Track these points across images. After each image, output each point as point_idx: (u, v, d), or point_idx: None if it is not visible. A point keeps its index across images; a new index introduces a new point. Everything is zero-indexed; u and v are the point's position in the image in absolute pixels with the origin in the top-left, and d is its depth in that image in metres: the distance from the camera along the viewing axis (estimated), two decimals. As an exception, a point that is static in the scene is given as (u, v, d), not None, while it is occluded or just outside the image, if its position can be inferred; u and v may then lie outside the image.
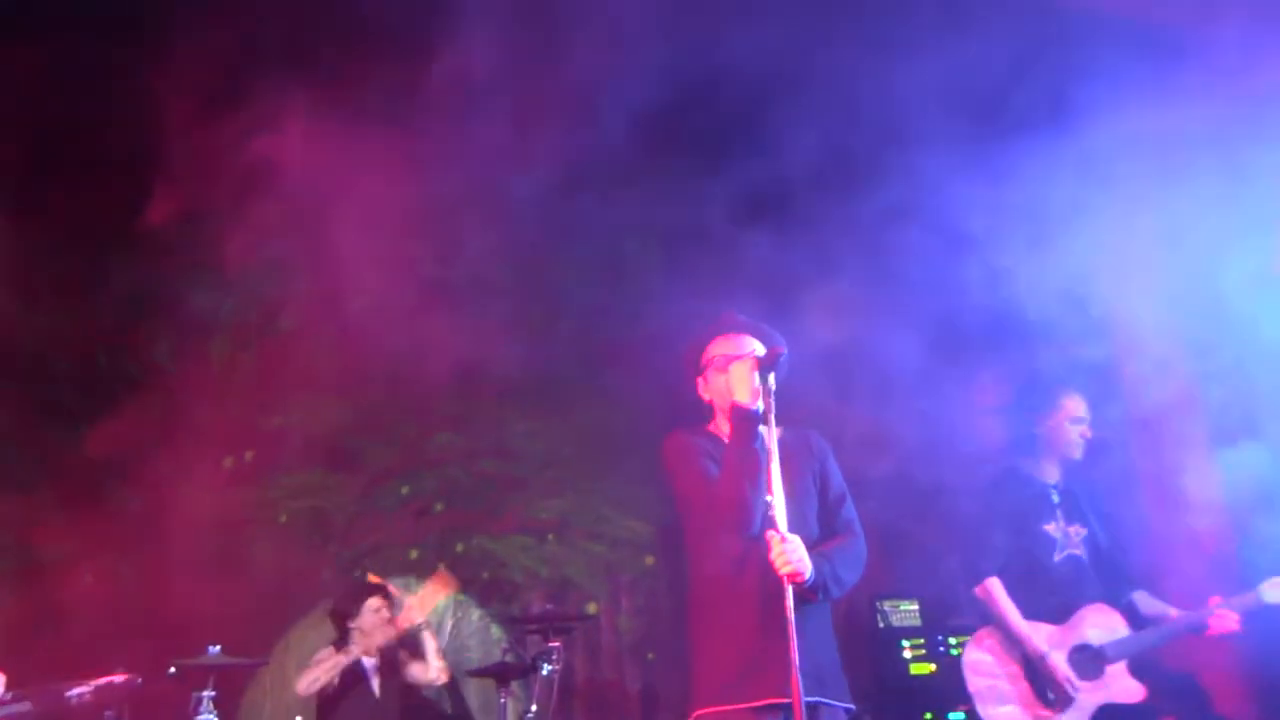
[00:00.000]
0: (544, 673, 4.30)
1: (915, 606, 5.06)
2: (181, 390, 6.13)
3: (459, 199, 5.43)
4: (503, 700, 4.32)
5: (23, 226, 5.46)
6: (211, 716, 3.73)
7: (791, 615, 2.33)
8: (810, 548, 2.51)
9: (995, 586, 3.40)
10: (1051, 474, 3.60)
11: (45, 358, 5.91)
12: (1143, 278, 4.42)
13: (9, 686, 2.24)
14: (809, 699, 2.46)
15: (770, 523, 2.45)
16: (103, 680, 2.34)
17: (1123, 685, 3.31)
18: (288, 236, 6.18)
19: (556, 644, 4.36)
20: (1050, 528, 3.49)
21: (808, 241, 4.78)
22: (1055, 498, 3.56)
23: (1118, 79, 3.98)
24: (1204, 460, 4.62)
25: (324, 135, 5.05)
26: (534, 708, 4.30)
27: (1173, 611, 3.45)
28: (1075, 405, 3.57)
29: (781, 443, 2.63)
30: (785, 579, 2.37)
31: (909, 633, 4.94)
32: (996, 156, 4.20)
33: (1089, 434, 3.56)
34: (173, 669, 3.93)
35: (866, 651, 5.15)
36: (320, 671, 4.49)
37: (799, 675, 2.32)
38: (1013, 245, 4.26)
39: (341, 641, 4.68)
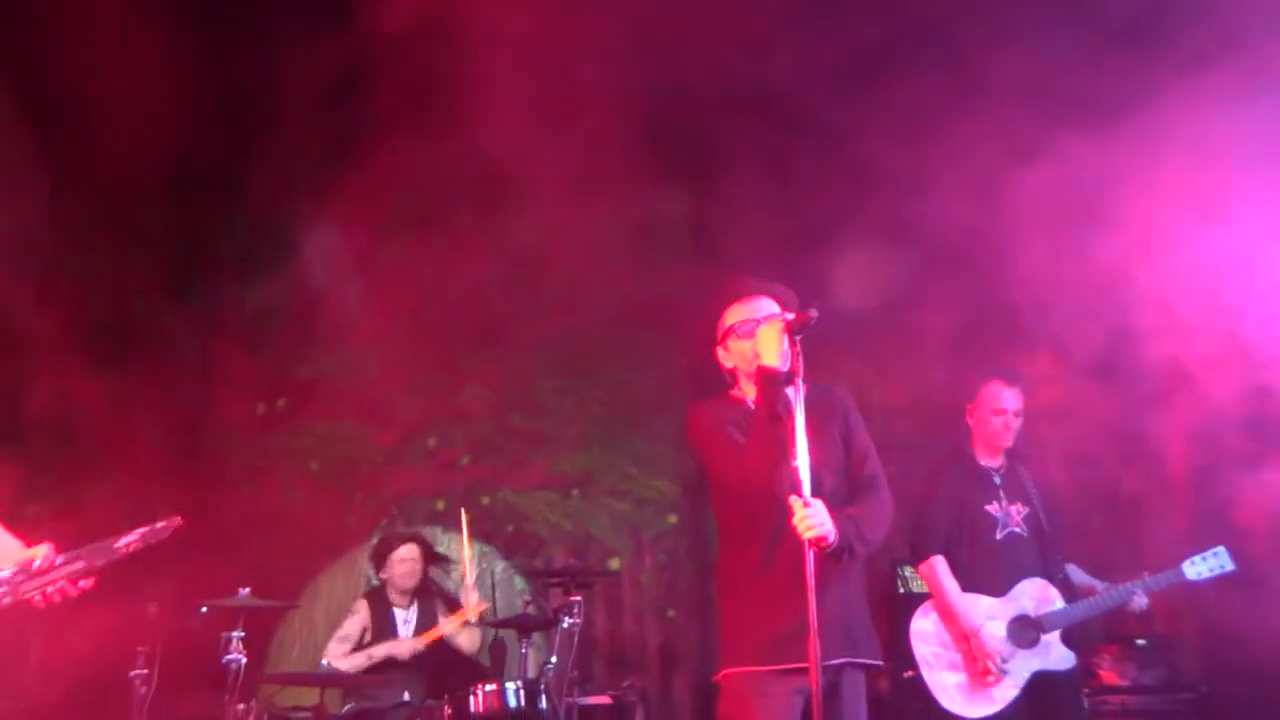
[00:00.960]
0: (565, 625, 4.35)
1: (936, 573, 5.05)
2: (214, 337, 6.22)
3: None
4: (524, 651, 4.38)
5: (57, 166, 5.52)
6: (240, 656, 3.82)
7: (812, 580, 2.33)
8: (837, 506, 2.51)
9: (938, 564, 3.65)
10: (992, 458, 3.81)
11: (83, 302, 6.00)
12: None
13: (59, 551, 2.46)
14: (839, 660, 2.50)
15: (796, 486, 2.44)
16: (145, 528, 2.54)
17: (1057, 653, 3.59)
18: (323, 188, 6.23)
19: (578, 598, 4.40)
20: (992, 507, 3.72)
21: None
22: (997, 480, 3.78)
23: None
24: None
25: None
26: (554, 659, 4.36)
27: (1100, 586, 3.74)
28: (994, 397, 3.76)
29: (810, 401, 2.60)
30: (809, 544, 2.37)
31: (928, 598, 4.93)
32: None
33: (1014, 422, 3.74)
34: (203, 608, 4.04)
35: (885, 615, 5.17)
36: (358, 661, 4.53)
37: (820, 639, 2.32)
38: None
39: (372, 594, 4.76)
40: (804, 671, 2.41)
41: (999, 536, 3.69)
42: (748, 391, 2.70)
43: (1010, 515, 3.73)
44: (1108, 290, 4.41)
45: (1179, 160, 3.87)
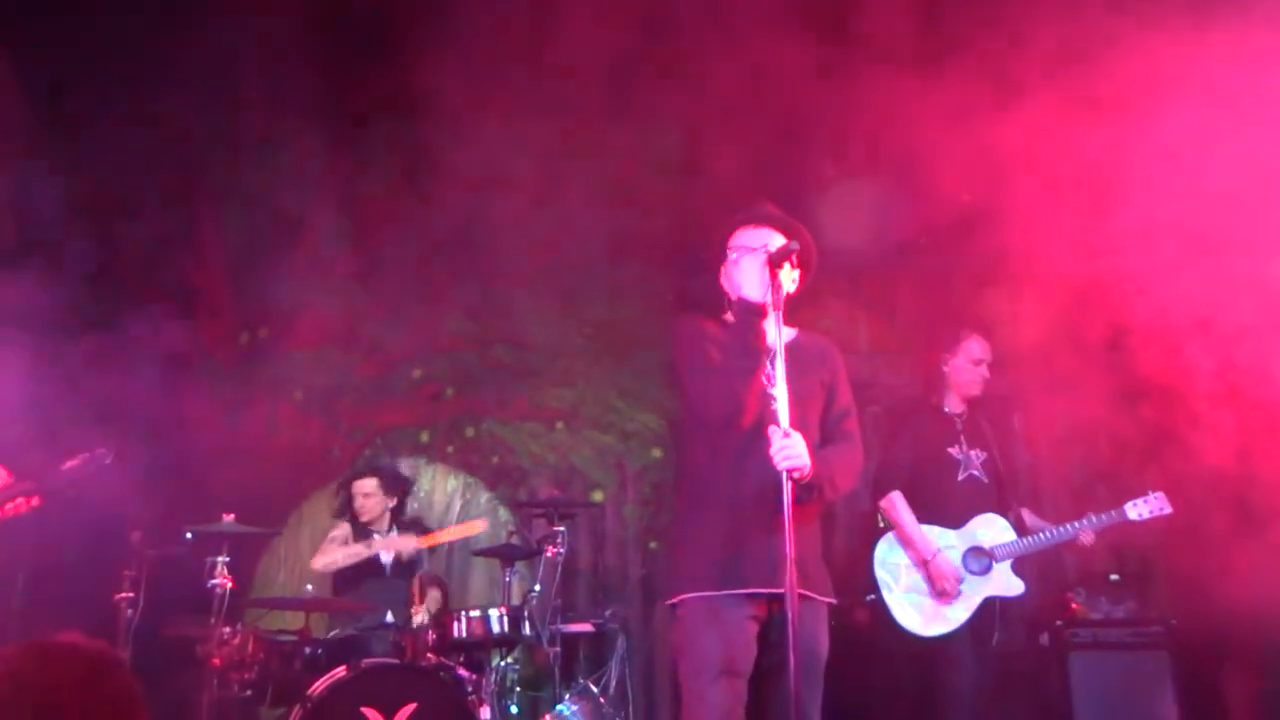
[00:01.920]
0: (548, 555, 4.41)
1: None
2: (197, 261, 6.16)
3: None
4: (508, 580, 4.44)
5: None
6: (225, 581, 3.86)
7: (789, 510, 2.33)
8: (810, 449, 2.51)
9: (897, 498, 3.91)
10: (957, 405, 4.07)
11: (61, 224, 5.91)
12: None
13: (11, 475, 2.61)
14: (808, 592, 2.50)
15: (771, 418, 2.44)
16: (86, 454, 2.80)
17: (1006, 580, 3.90)
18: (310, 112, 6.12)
19: (561, 528, 4.46)
20: (954, 450, 3.98)
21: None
22: (959, 425, 4.04)
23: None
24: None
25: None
26: (537, 588, 4.42)
27: (1048, 525, 4.04)
28: (976, 347, 4.03)
29: (795, 344, 2.63)
30: (785, 473, 2.37)
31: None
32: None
33: (988, 374, 4.04)
34: (188, 534, 4.06)
35: (866, 552, 5.26)
36: (337, 556, 4.64)
37: (775, 570, 2.36)
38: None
39: (349, 518, 4.81)
40: (760, 598, 2.46)
41: (960, 478, 3.96)
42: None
43: (971, 460, 3.99)
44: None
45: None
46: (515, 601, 4.35)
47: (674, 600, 2.57)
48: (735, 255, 2.65)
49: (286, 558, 5.75)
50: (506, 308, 5.96)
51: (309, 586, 4.36)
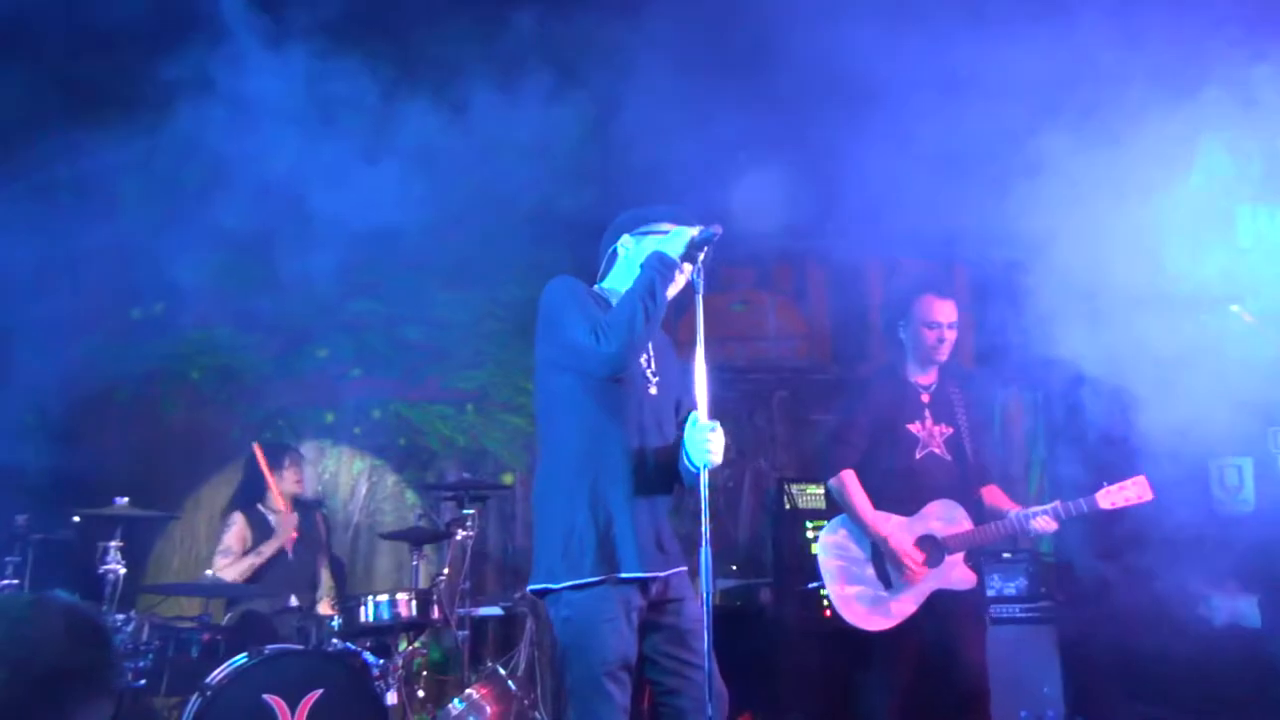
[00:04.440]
0: (457, 538, 4.37)
1: (821, 490, 5.25)
2: (85, 231, 5.87)
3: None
4: (415, 563, 4.39)
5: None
6: (118, 566, 3.71)
7: (706, 503, 2.32)
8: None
9: (849, 478, 3.68)
10: (924, 376, 3.80)
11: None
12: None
13: None
14: (677, 569, 2.53)
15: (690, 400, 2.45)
16: None
17: (958, 573, 3.63)
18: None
19: (471, 511, 4.42)
20: (914, 426, 3.71)
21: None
22: (925, 398, 3.76)
23: None
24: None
25: None
26: (445, 571, 4.38)
27: (1011, 510, 3.67)
28: (927, 310, 3.73)
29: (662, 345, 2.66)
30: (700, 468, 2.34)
31: (813, 515, 5.14)
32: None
33: (948, 335, 3.72)
34: (76, 518, 3.89)
35: (772, 530, 5.37)
36: (250, 563, 4.47)
37: (646, 550, 2.40)
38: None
39: (245, 507, 4.67)
40: (641, 583, 2.42)
41: (918, 456, 3.70)
42: (622, 285, 2.62)
43: (933, 436, 3.73)
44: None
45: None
46: (423, 585, 4.30)
47: (553, 588, 2.43)
48: (665, 230, 2.60)
49: (182, 542, 5.56)
50: (415, 287, 5.86)
51: (208, 571, 4.23)
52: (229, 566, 4.46)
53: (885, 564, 3.64)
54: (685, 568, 2.55)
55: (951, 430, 3.75)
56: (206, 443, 5.70)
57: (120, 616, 3.69)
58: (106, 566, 3.70)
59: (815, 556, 3.78)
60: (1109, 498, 3.59)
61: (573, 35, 5.12)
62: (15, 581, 3.85)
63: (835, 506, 5.07)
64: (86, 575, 3.78)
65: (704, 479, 2.38)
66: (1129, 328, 3.67)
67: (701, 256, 2.49)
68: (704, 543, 2.32)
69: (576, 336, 2.45)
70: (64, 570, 4.03)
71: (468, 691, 4.04)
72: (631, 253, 2.66)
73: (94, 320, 5.79)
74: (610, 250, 2.73)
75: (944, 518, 3.66)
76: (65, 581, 4.03)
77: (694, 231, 2.51)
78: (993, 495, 3.78)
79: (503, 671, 4.30)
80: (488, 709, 4.00)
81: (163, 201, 5.85)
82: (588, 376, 2.47)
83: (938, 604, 3.59)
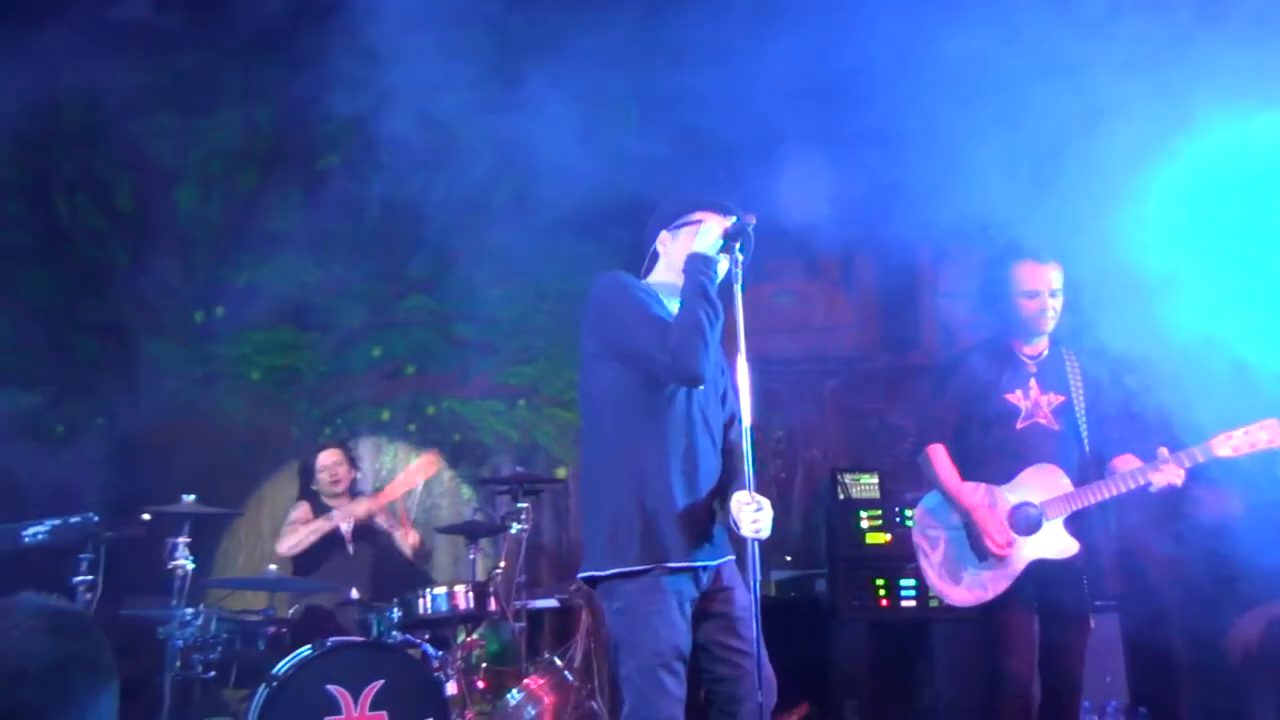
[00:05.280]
0: (512, 532, 4.43)
1: (875, 480, 5.21)
2: (147, 241, 6.05)
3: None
4: (472, 557, 4.46)
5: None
6: (186, 562, 3.82)
7: (755, 569, 2.33)
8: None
9: (935, 451, 3.47)
10: (1030, 347, 3.52)
11: (8, 210, 5.78)
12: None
13: None
14: (726, 558, 2.54)
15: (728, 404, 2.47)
16: (58, 521, 2.34)
17: (1058, 541, 3.33)
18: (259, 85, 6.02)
19: (525, 505, 4.47)
20: (1014, 397, 3.44)
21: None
22: (1033, 368, 3.49)
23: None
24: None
25: None
26: (502, 564, 4.44)
27: (1126, 466, 3.33)
28: (1026, 277, 3.45)
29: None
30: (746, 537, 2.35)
31: (867, 504, 5.10)
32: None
33: (1051, 303, 3.43)
34: (146, 516, 4.00)
35: (825, 521, 5.34)
36: (301, 535, 4.62)
37: (708, 540, 2.44)
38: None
39: (310, 497, 4.80)
40: (692, 573, 2.43)
41: (1019, 427, 3.43)
42: (666, 277, 2.63)
43: (1038, 406, 3.44)
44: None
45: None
46: (480, 578, 4.37)
47: (605, 574, 2.42)
48: (699, 221, 2.60)
49: (247, 538, 5.71)
50: (465, 284, 5.94)
51: (272, 566, 4.33)
52: (285, 539, 4.63)
53: (977, 537, 3.40)
54: (734, 556, 2.55)
55: (1063, 399, 3.46)
56: (267, 441, 5.85)
57: (189, 611, 3.80)
58: (175, 562, 3.81)
59: (911, 534, 3.61)
60: (1229, 444, 3.20)
61: (616, 25, 5.13)
62: (90, 578, 3.99)
63: (888, 496, 5.13)
64: (156, 571, 3.90)
65: (749, 467, 2.39)
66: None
67: (738, 246, 2.47)
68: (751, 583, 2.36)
69: (645, 346, 2.44)
70: (135, 567, 4.16)
71: (525, 682, 4.10)
72: (670, 249, 2.65)
73: (158, 324, 5.97)
74: (651, 248, 2.72)
75: (1040, 483, 3.37)
76: (136, 577, 4.17)
77: (727, 223, 2.50)
78: (1122, 462, 3.40)
79: (559, 662, 4.36)
80: (545, 699, 4.05)
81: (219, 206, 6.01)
82: (650, 376, 2.47)
83: (1037, 576, 3.32)
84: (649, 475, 2.43)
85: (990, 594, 3.32)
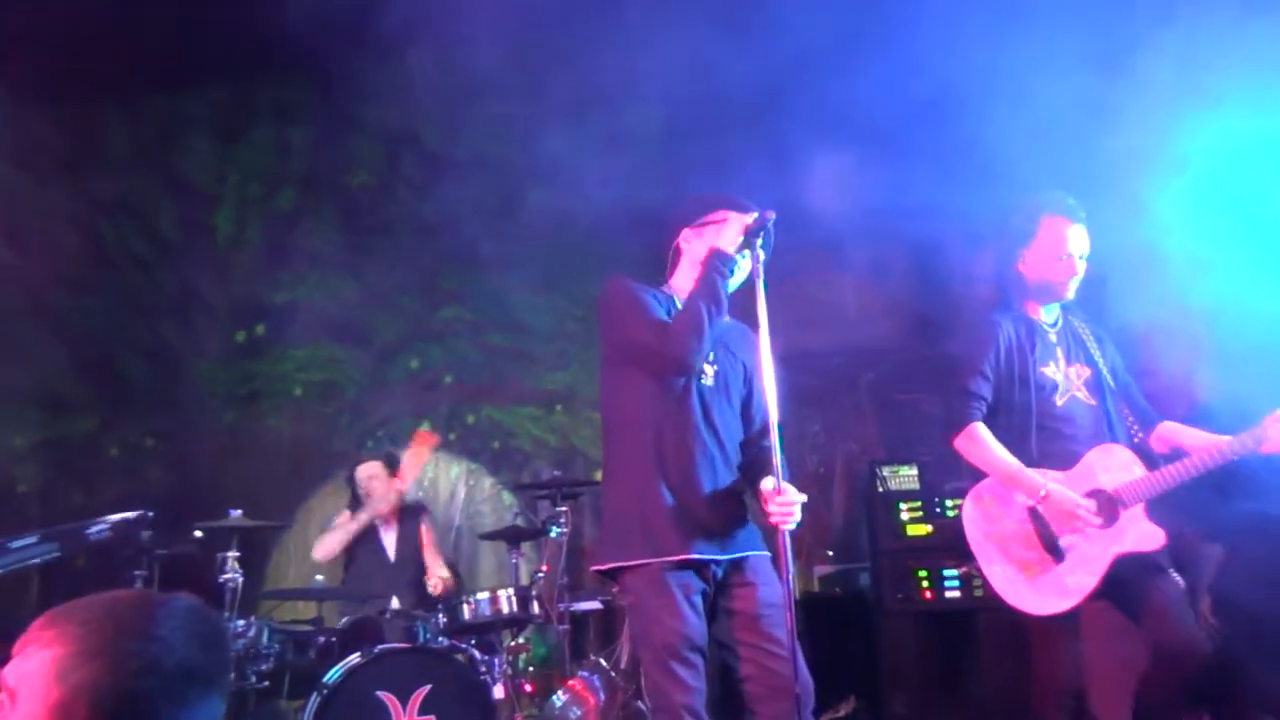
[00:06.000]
0: (553, 535, 4.47)
1: (914, 471, 5.17)
2: (189, 265, 6.21)
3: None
4: (514, 561, 4.50)
5: (17, 90, 5.42)
6: (236, 575, 3.91)
7: (790, 568, 2.32)
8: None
9: (979, 431, 2.95)
10: (1048, 313, 3.12)
11: (55, 236, 5.95)
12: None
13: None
14: (745, 553, 2.52)
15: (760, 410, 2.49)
16: (117, 517, 2.50)
17: (1141, 531, 2.84)
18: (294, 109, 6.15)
19: (565, 508, 4.51)
20: (1049, 370, 3.03)
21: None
22: (1054, 338, 3.08)
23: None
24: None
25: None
26: (544, 567, 4.48)
27: (1204, 437, 2.91)
28: (1057, 236, 3.01)
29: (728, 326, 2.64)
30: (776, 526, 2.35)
31: (907, 496, 5.06)
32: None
33: (1079, 269, 3.03)
34: (198, 533, 4.11)
35: (865, 514, 5.32)
36: (336, 537, 4.72)
37: (722, 532, 2.44)
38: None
39: (356, 506, 4.89)
40: (697, 566, 2.43)
41: (1059, 403, 3.00)
42: (684, 282, 2.65)
43: (1070, 379, 3.04)
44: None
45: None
46: (523, 582, 4.41)
47: (623, 564, 2.44)
48: (721, 218, 2.62)
49: (296, 551, 5.82)
50: (497, 292, 6.02)
51: (319, 577, 4.42)
52: (319, 544, 4.72)
53: (1049, 530, 2.88)
54: (756, 552, 2.55)
55: (1090, 370, 3.06)
56: (312, 455, 5.97)
57: (241, 623, 3.89)
58: (225, 576, 3.90)
59: (961, 536, 3.04)
60: None
61: (639, 29, 5.17)
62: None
63: (928, 487, 5.07)
64: (209, 585, 4.00)
65: (779, 460, 2.40)
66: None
67: (759, 243, 2.49)
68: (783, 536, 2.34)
69: (642, 338, 2.50)
70: (187, 582, 4.26)
71: (569, 684, 4.13)
72: (692, 248, 2.67)
73: (201, 345, 6.12)
74: (673, 246, 2.74)
75: (1110, 466, 2.90)
76: (188, 591, 4.28)
77: (748, 220, 2.52)
78: (1171, 432, 3.04)
79: (604, 664, 4.39)
80: (589, 700, 4.09)
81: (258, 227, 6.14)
82: (650, 372, 2.52)
83: (1123, 572, 2.82)
84: (651, 472, 2.47)
85: (1075, 598, 2.82)
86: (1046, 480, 2.87)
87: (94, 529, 2.46)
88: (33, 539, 2.35)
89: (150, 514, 2.62)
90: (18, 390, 5.79)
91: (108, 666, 1.19)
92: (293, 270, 6.19)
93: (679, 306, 2.60)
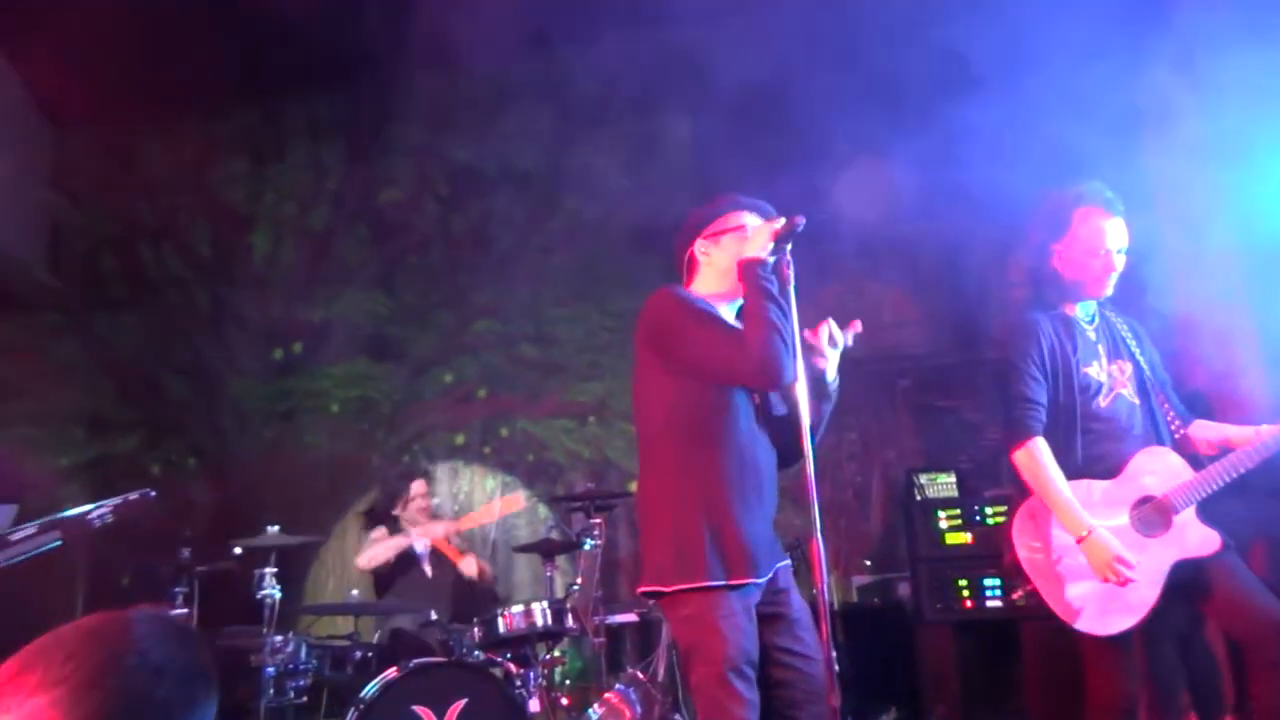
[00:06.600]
0: (587, 548, 4.45)
1: (952, 478, 5.10)
2: (226, 285, 6.31)
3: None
4: (549, 574, 4.49)
5: (57, 115, 5.55)
6: (274, 590, 3.94)
7: (816, 495, 2.28)
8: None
9: (1039, 450, 2.82)
10: (1084, 310, 3.01)
11: (93, 254, 6.07)
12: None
13: (29, 517, 2.38)
14: (783, 563, 2.49)
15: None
16: (119, 499, 2.48)
17: (1196, 536, 2.77)
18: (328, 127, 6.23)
19: (599, 520, 4.49)
20: (1093, 370, 2.91)
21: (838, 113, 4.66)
22: (1093, 335, 2.97)
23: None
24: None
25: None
26: (579, 580, 4.47)
27: (1250, 431, 2.82)
28: (1095, 230, 2.89)
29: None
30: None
31: (945, 504, 4.99)
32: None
33: (1118, 264, 2.91)
34: (237, 550, 4.15)
35: (904, 523, 5.25)
36: (379, 550, 4.75)
37: (766, 549, 2.39)
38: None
39: (391, 523, 4.92)
40: (757, 588, 2.38)
41: (1104, 403, 2.89)
42: (713, 286, 2.59)
43: (1114, 377, 2.93)
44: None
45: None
46: (558, 595, 4.40)
47: (676, 587, 2.36)
48: (745, 224, 2.58)
49: (334, 566, 5.87)
50: (528, 306, 6.04)
51: (355, 591, 4.44)
52: (364, 553, 4.77)
53: None
54: (789, 561, 2.53)
55: (1133, 366, 2.96)
56: (350, 471, 6.02)
57: (278, 638, 3.92)
58: (263, 592, 3.93)
59: (1003, 545, 2.97)
60: None
61: (662, 47, 5.18)
62: (185, 610, 4.15)
63: (966, 494, 5.00)
64: (248, 601, 4.03)
65: (811, 467, 2.35)
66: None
67: (788, 249, 2.45)
68: (817, 535, 2.30)
69: (726, 357, 2.40)
70: (227, 598, 4.31)
71: (605, 696, 4.11)
72: (714, 257, 2.61)
73: (239, 364, 6.21)
74: (685, 256, 2.68)
75: (1157, 470, 2.82)
76: (228, 607, 4.32)
77: (775, 225, 2.46)
78: (1208, 430, 2.96)
79: (641, 676, 4.36)
80: (626, 713, 4.06)
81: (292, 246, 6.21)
82: (720, 385, 2.45)
83: (1185, 578, 2.73)
84: (711, 489, 2.40)
85: (1138, 613, 2.73)
86: (1102, 505, 2.79)
87: (95, 513, 2.45)
88: (32, 529, 2.34)
89: (152, 493, 2.61)
90: (61, 411, 5.91)
91: (114, 690, 1.18)
92: (328, 288, 6.26)
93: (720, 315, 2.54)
